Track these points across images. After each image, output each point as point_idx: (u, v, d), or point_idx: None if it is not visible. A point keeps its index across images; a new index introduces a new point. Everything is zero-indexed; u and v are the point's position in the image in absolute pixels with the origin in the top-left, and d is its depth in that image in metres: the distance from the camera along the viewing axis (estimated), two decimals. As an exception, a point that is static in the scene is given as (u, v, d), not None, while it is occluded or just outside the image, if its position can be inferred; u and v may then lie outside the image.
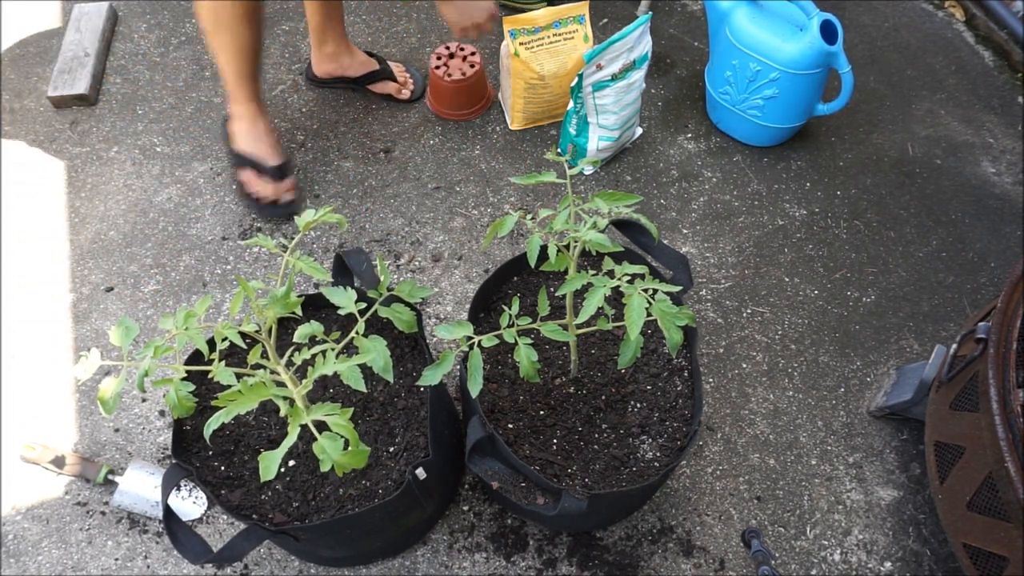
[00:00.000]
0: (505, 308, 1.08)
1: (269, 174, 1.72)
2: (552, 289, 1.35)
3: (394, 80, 1.96)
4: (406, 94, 1.99)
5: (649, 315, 0.93)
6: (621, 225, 1.32)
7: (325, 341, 1.01)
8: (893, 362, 1.63)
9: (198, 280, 1.71)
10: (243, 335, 1.01)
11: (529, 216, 1.02)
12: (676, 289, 1.00)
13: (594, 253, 0.99)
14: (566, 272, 1.06)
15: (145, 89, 2.04)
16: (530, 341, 1.04)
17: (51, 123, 1.97)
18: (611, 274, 0.98)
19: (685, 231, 1.81)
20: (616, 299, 1.12)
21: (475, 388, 1.03)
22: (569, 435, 1.21)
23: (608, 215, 1.01)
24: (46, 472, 1.47)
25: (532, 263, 1.02)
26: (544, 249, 1.03)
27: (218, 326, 0.99)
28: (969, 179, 1.93)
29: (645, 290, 0.94)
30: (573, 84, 1.68)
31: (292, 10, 2.20)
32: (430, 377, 1.03)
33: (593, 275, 0.99)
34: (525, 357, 1.03)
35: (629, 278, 0.96)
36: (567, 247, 1.03)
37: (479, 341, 1.04)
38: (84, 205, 1.83)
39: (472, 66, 1.88)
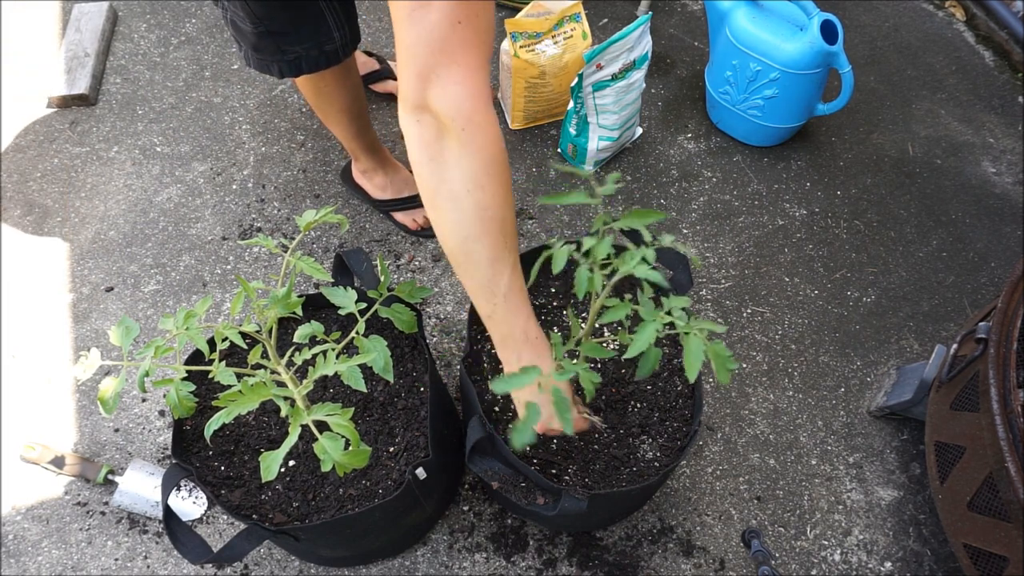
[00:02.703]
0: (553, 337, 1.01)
1: (421, 203, 1.71)
2: (561, 296, 1.34)
3: (395, 79, 1.96)
4: None
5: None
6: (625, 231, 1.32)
7: (325, 341, 1.01)
8: (893, 362, 1.63)
9: (198, 280, 1.71)
10: (243, 335, 1.01)
11: (574, 248, 0.92)
12: (722, 329, 0.93)
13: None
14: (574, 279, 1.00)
15: (145, 89, 2.04)
16: (587, 365, 0.96)
17: (51, 123, 1.97)
18: (658, 303, 0.91)
19: (685, 231, 1.81)
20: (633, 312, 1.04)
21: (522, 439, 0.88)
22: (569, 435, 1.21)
23: (651, 244, 0.94)
24: (46, 472, 1.47)
25: (580, 296, 0.92)
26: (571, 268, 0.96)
27: (218, 326, 0.99)
28: (969, 179, 1.93)
29: (701, 331, 0.87)
30: (573, 84, 1.68)
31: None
32: (520, 439, 0.87)
33: (638, 307, 0.91)
34: (588, 381, 0.95)
35: (682, 312, 0.89)
36: (603, 270, 0.93)
37: (556, 388, 0.90)
38: (84, 205, 1.83)
39: (472, 66, 1.88)
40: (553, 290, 1.36)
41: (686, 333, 0.87)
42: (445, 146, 0.85)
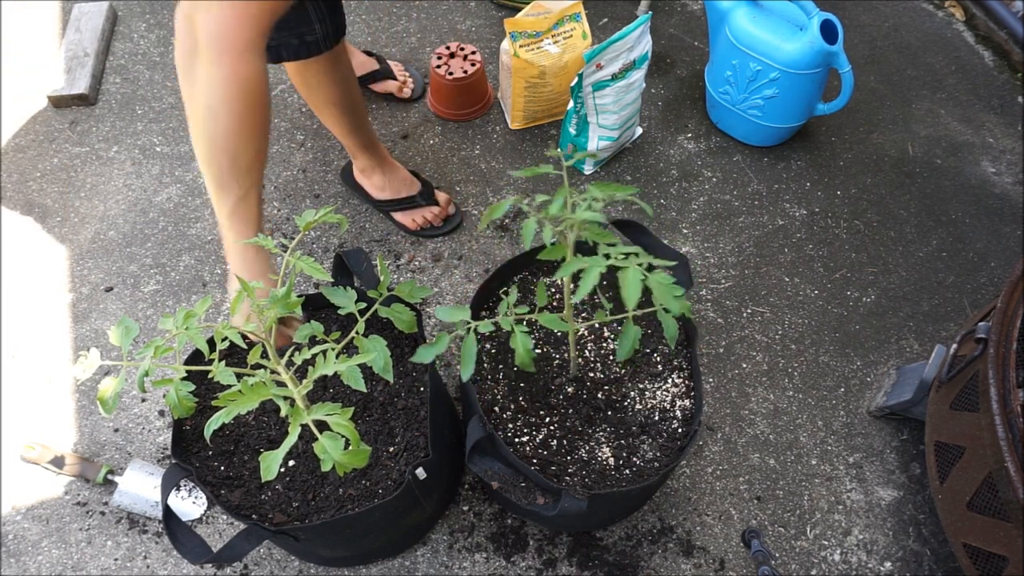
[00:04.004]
0: (503, 297, 1.09)
1: (421, 203, 1.73)
2: (553, 290, 1.35)
3: (394, 78, 1.96)
4: (407, 92, 1.99)
5: (646, 291, 0.93)
6: (621, 226, 1.32)
7: (325, 341, 1.01)
8: (893, 362, 1.63)
9: (198, 280, 1.71)
10: (243, 335, 1.01)
11: (525, 201, 1.02)
12: (671, 264, 1.00)
13: (591, 244, 0.99)
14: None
15: (145, 89, 2.04)
16: (527, 330, 1.05)
17: (51, 123, 1.97)
18: (607, 257, 0.98)
19: (685, 231, 1.81)
20: (615, 292, 1.10)
21: (467, 372, 1.04)
22: (569, 435, 1.21)
23: (601, 200, 1.01)
24: (46, 472, 1.47)
25: (527, 246, 1.02)
26: (541, 247, 1.03)
27: (218, 326, 0.99)
28: (969, 179, 1.92)
29: (641, 264, 0.94)
30: (573, 84, 1.68)
31: (292, 10, 2.19)
32: (423, 355, 1.04)
33: (589, 258, 0.99)
34: (520, 345, 1.04)
35: (623, 256, 0.96)
36: (562, 231, 1.03)
37: (475, 327, 1.04)
38: (84, 205, 1.83)
39: (473, 65, 1.88)
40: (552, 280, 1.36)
41: (625, 267, 0.91)
42: (196, 65, 0.89)
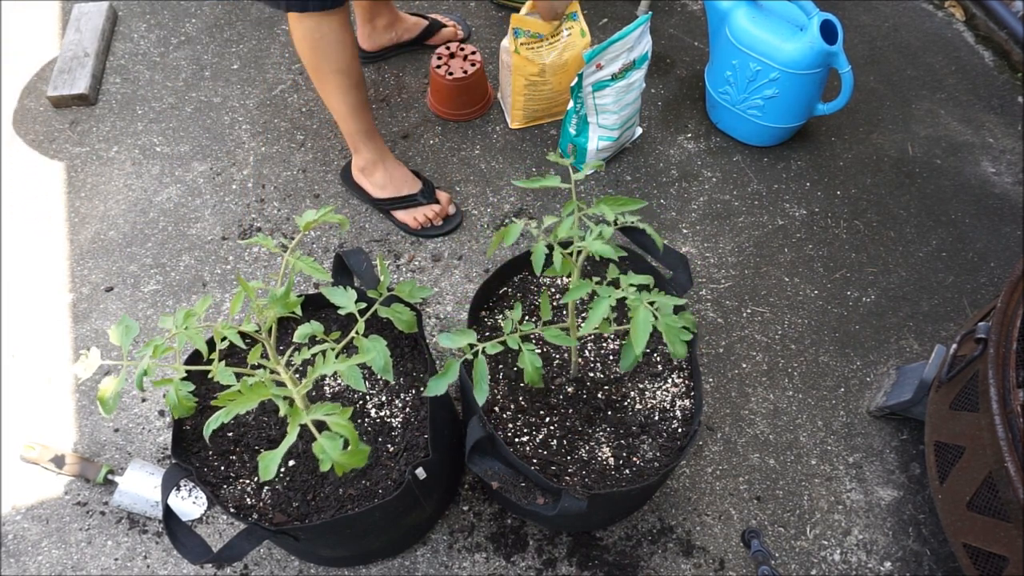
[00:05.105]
0: (508, 312, 1.08)
1: (422, 201, 1.73)
2: (553, 290, 1.35)
3: (445, 26, 2.07)
4: (462, 33, 2.10)
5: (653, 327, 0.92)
6: (623, 228, 1.32)
7: (325, 341, 1.01)
8: (893, 362, 1.63)
9: (198, 280, 1.71)
10: (243, 335, 1.01)
11: (534, 224, 1.01)
12: (681, 302, 0.98)
13: (598, 259, 0.99)
14: (568, 274, 1.05)
15: (145, 89, 2.04)
16: (533, 347, 1.04)
17: (51, 123, 1.97)
18: (615, 283, 0.97)
19: (685, 231, 1.81)
20: (619, 300, 1.10)
21: (481, 396, 1.02)
22: (569, 435, 1.21)
23: (614, 223, 1.00)
24: (46, 472, 1.47)
25: (538, 271, 1.01)
26: (548, 256, 1.02)
27: (218, 326, 0.99)
28: (969, 179, 1.92)
29: (653, 304, 0.93)
30: (573, 84, 1.68)
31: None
32: (435, 387, 1.02)
33: (597, 283, 0.98)
34: (529, 364, 1.02)
35: (634, 288, 0.95)
36: (571, 253, 1.03)
37: (483, 348, 1.03)
38: (84, 205, 1.83)
39: (473, 65, 1.88)
40: (554, 290, 1.36)
41: (636, 306, 0.91)
42: None
